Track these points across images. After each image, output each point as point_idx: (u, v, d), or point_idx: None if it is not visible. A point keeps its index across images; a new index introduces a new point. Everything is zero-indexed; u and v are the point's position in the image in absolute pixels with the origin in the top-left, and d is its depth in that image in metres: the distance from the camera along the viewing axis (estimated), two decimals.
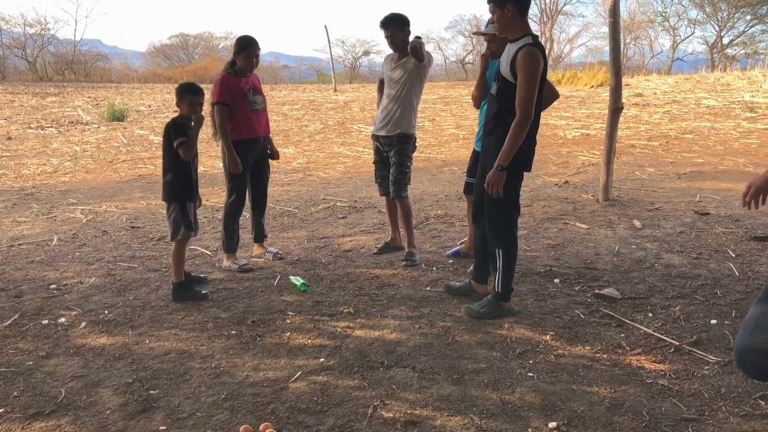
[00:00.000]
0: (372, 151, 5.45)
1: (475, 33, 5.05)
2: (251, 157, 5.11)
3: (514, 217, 4.02)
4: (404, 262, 5.11)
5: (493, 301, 4.00)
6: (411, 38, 4.96)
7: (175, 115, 4.39)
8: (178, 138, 4.21)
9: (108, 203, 7.90)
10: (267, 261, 5.26)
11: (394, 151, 5.11)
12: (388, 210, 5.51)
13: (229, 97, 4.92)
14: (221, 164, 5.30)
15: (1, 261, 5.43)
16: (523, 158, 3.82)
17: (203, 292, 4.47)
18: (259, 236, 5.43)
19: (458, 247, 5.34)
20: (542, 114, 4.00)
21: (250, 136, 5.05)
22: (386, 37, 5.04)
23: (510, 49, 3.72)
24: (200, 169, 10.22)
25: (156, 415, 2.91)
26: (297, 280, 4.62)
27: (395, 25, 4.99)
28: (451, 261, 5.12)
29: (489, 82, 4.52)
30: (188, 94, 4.31)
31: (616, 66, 6.85)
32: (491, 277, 4.16)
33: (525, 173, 3.98)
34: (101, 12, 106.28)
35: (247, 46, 4.96)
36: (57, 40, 38.94)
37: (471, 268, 4.57)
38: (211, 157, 11.36)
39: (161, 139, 4.45)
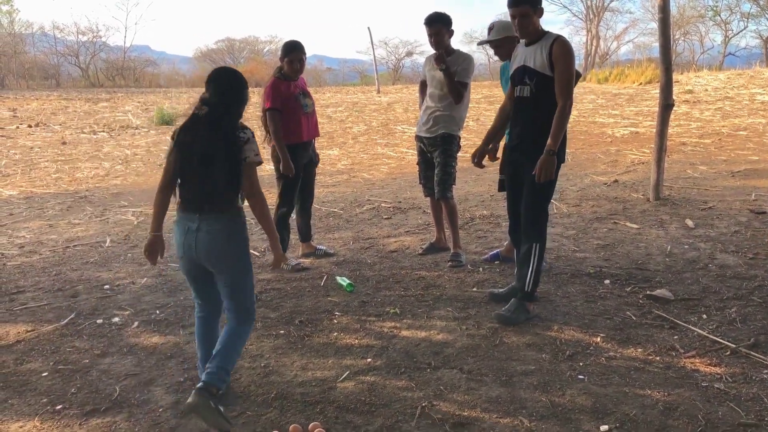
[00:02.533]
0: (416, 152, 5.44)
1: (481, 42, 5.03)
2: (303, 160, 5.16)
3: (548, 211, 4.03)
4: (449, 263, 5.08)
5: (520, 303, 3.93)
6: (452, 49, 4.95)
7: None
8: None
9: None
10: (313, 261, 5.30)
11: (439, 152, 5.09)
12: (432, 211, 5.49)
13: (279, 102, 4.97)
14: (270, 167, 5.36)
15: (57, 262, 5.60)
16: (563, 149, 3.86)
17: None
18: (306, 236, 5.48)
19: (497, 251, 5.22)
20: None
21: (301, 139, 5.10)
22: (430, 35, 4.96)
23: (540, 46, 3.79)
24: None
25: None
26: (343, 281, 4.65)
27: (441, 23, 4.94)
28: (497, 262, 5.05)
29: (506, 85, 4.49)
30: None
31: (667, 62, 6.71)
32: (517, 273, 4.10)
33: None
34: (150, 19, 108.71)
35: (290, 51, 5.00)
36: (108, 47, 40.04)
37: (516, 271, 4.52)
38: None
39: None
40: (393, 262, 5.24)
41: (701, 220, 6.05)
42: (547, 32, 3.84)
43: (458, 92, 4.93)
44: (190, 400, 2.75)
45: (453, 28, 5.01)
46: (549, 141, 3.72)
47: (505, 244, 5.19)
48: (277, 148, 5.00)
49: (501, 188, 4.83)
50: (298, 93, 5.05)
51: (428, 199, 5.48)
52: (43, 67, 37.34)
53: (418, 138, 5.27)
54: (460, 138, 5.21)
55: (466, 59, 5.05)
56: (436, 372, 3.30)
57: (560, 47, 3.73)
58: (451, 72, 4.86)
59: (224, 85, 3.02)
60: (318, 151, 5.50)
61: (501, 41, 4.50)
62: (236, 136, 2.94)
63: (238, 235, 2.97)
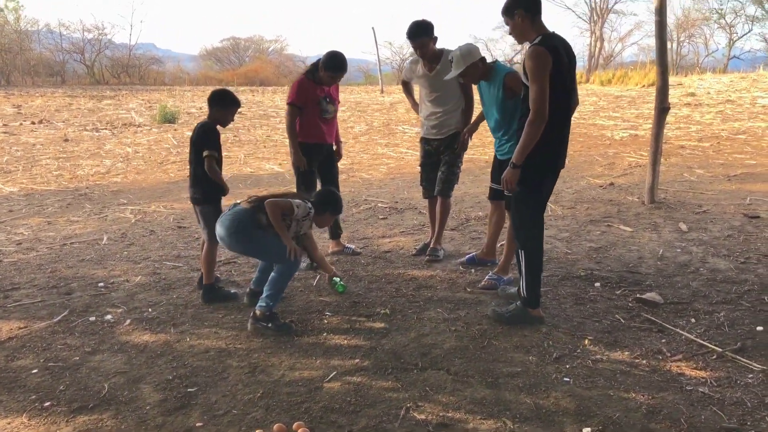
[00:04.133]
0: (419, 154, 5.47)
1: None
2: (315, 160, 5.19)
3: (539, 220, 3.94)
4: (427, 257, 5.20)
5: (521, 307, 3.93)
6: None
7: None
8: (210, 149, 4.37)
9: (156, 203, 8.11)
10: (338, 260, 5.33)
11: (449, 151, 5.14)
12: (429, 212, 5.53)
13: (302, 101, 5.01)
14: (276, 166, 5.40)
15: (54, 259, 5.64)
16: (546, 159, 3.73)
17: (232, 291, 4.56)
18: (335, 233, 5.52)
19: (473, 254, 5.20)
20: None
21: (314, 141, 5.14)
22: (415, 48, 4.97)
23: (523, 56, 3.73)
24: (247, 170, 10.45)
25: (193, 412, 2.99)
26: (336, 282, 4.63)
27: (425, 36, 4.92)
28: (488, 264, 5.06)
29: (485, 105, 4.52)
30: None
31: (663, 66, 6.72)
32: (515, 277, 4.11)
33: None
34: (155, 17, 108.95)
35: (335, 69, 4.97)
36: (113, 44, 40.10)
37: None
38: (257, 159, 11.56)
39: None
40: (386, 263, 5.26)
41: (695, 224, 6.06)
42: (538, 36, 3.68)
43: (470, 106, 5.10)
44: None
45: (436, 35, 4.98)
46: (514, 154, 3.68)
47: (482, 248, 5.17)
48: (289, 141, 5.11)
49: (491, 196, 4.85)
50: (322, 97, 5.07)
51: (426, 200, 5.52)
52: (49, 64, 37.44)
53: (425, 140, 5.29)
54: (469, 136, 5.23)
55: None
56: (423, 373, 3.32)
57: (526, 58, 3.61)
58: (468, 127, 5.11)
59: None
60: None
61: (466, 70, 4.36)
62: None
63: None
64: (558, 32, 3.72)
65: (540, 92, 3.53)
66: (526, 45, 3.81)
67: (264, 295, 3.93)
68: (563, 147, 3.82)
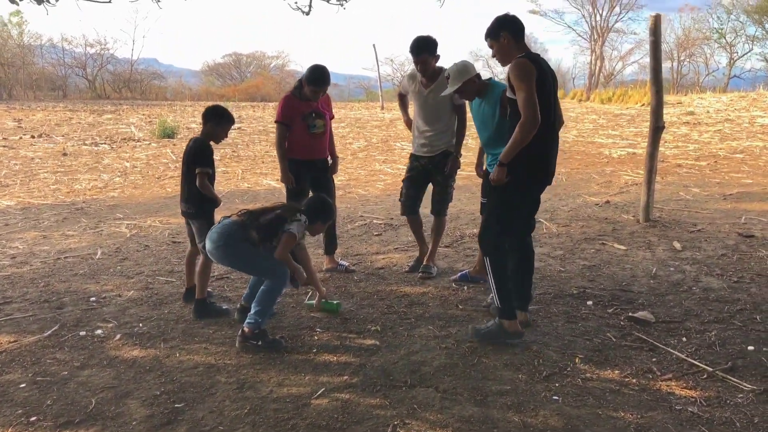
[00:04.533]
0: (406, 169, 5.47)
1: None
2: (307, 176, 5.20)
3: (511, 230, 3.95)
4: (420, 274, 5.19)
5: (497, 323, 3.89)
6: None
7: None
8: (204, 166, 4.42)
9: (153, 218, 8.12)
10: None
11: (440, 172, 5.16)
12: (411, 228, 5.54)
13: (289, 118, 5.05)
14: (273, 182, 5.44)
15: (47, 273, 5.64)
16: (529, 168, 3.75)
17: (224, 307, 4.55)
18: (330, 249, 5.53)
19: (466, 271, 5.20)
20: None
21: (304, 157, 5.16)
22: (416, 63, 4.99)
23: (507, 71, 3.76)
24: (244, 185, 10.47)
25: (179, 428, 2.98)
26: (330, 305, 4.50)
27: (427, 53, 4.94)
28: (483, 281, 5.04)
29: (477, 121, 4.53)
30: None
31: (657, 85, 6.76)
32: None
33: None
34: (158, 32, 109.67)
35: (317, 83, 4.98)
36: (116, 59, 40.40)
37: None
38: (255, 174, 11.58)
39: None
40: (379, 279, 5.26)
41: (689, 243, 6.05)
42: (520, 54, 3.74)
43: (463, 126, 5.16)
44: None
45: (439, 53, 5.00)
46: (502, 153, 3.70)
47: (475, 265, 5.17)
48: (278, 158, 5.15)
49: (482, 211, 4.86)
50: (308, 113, 5.08)
51: (404, 217, 5.55)
52: (51, 78, 37.68)
53: (414, 157, 5.30)
54: (460, 155, 5.24)
55: None
56: (412, 390, 3.31)
57: (511, 70, 3.64)
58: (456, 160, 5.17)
59: None
60: None
61: (462, 86, 4.35)
62: None
63: None
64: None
65: (528, 97, 3.55)
66: None
67: (252, 311, 3.90)
68: (545, 162, 3.82)
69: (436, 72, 5.01)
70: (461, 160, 5.34)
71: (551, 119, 3.78)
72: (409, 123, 5.45)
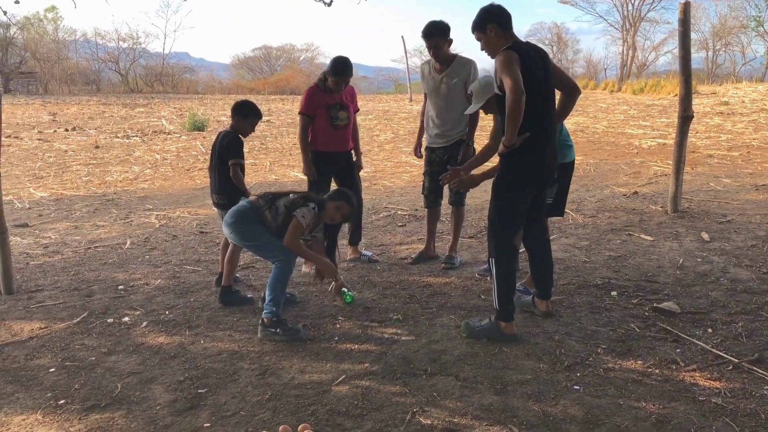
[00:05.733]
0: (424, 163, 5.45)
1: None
2: (330, 169, 5.23)
3: (515, 230, 3.89)
4: (443, 265, 5.20)
5: (493, 322, 3.82)
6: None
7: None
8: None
9: (181, 209, 8.24)
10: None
11: (454, 162, 5.12)
12: (428, 221, 5.52)
13: (312, 110, 5.07)
14: (301, 173, 5.49)
15: (78, 262, 5.76)
16: (523, 168, 3.68)
17: (249, 296, 4.61)
18: (354, 238, 5.56)
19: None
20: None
21: (327, 149, 5.17)
22: (429, 47, 4.95)
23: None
24: (272, 177, 10.55)
25: (202, 413, 3.03)
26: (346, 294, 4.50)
27: (439, 36, 4.89)
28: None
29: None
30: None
31: (686, 74, 6.66)
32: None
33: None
34: (189, 26, 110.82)
35: (339, 74, 5.00)
36: (148, 53, 40.99)
37: (525, 280, 4.52)
38: (283, 166, 11.68)
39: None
40: (402, 269, 5.27)
41: (718, 234, 5.95)
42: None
43: (476, 115, 4.97)
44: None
45: (451, 36, 4.96)
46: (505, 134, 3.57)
47: None
48: (301, 149, 5.20)
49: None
50: (332, 104, 5.09)
51: (426, 210, 5.54)
52: (85, 72, 38.38)
53: (430, 149, 5.29)
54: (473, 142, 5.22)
55: (465, 68, 5.02)
56: (432, 378, 3.32)
57: (496, 64, 3.55)
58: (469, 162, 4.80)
59: None
60: None
61: (486, 104, 4.25)
62: None
63: None
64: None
65: (513, 78, 3.38)
66: None
67: (266, 301, 3.95)
68: (538, 163, 3.71)
69: (449, 58, 4.98)
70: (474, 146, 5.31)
71: (545, 122, 3.67)
72: (420, 134, 5.46)
